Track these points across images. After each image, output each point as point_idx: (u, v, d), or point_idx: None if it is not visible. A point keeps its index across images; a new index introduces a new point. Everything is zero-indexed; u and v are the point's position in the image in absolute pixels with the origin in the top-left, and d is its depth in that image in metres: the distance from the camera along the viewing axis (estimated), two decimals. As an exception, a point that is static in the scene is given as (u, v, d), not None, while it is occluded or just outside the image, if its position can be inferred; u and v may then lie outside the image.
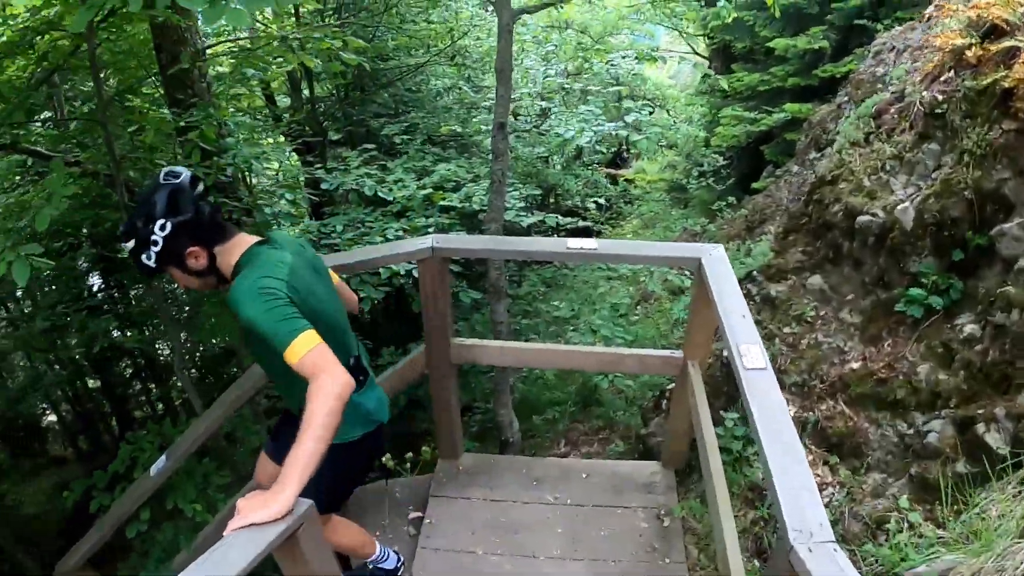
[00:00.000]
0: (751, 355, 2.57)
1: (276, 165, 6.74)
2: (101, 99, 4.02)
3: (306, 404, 2.11)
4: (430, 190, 6.15)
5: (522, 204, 6.99)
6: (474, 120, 8.70)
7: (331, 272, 2.89)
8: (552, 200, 10.87)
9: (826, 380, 4.17)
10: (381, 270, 5.13)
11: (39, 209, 3.27)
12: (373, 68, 8.56)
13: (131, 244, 2.41)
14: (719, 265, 3.31)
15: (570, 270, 9.21)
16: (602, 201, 11.17)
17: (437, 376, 4.10)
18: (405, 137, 7.82)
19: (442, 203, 6.17)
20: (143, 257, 2.41)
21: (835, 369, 4.17)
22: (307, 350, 2.18)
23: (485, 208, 5.47)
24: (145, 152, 4.86)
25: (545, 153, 9.40)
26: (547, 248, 4.20)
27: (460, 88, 9.53)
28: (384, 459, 4.08)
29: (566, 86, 8.41)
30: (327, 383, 2.13)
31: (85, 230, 7.04)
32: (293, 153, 8.72)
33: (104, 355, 8.42)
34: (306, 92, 8.48)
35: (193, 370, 9.04)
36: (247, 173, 6.35)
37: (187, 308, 7.19)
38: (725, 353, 4.76)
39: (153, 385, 10.18)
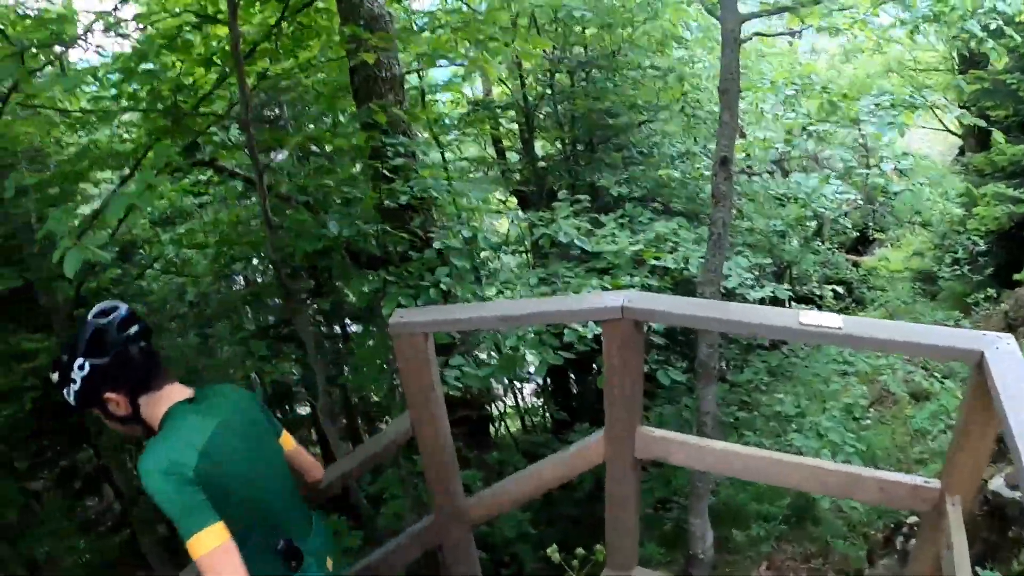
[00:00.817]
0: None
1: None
2: (244, 98, 3.80)
3: None
4: (641, 246, 5.56)
5: (751, 275, 6.22)
6: (696, 167, 8.07)
7: (286, 438, 2.72)
8: (787, 284, 10.03)
9: None
10: (566, 331, 4.54)
11: (115, 196, 3.05)
12: (602, 124, 8.59)
13: (56, 377, 2.30)
14: (1012, 363, 2.41)
15: (800, 359, 8.27)
16: (841, 290, 10.20)
17: (615, 470, 3.43)
18: (623, 190, 7.40)
19: (654, 262, 5.58)
20: (65, 393, 2.29)
21: None
22: (208, 550, 2.07)
23: (706, 272, 4.82)
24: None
25: (781, 226, 8.62)
26: (771, 321, 3.09)
27: (694, 154, 9.00)
28: (549, 550, 3.51)
29: (809, 127, 7.60)
30: None
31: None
32: (517, 206, 8.71)
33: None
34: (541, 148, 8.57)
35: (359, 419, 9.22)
36: (452, 208, 6.13)
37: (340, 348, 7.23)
38: (992, 486, 3.80)
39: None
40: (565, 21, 7.77)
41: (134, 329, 2.31)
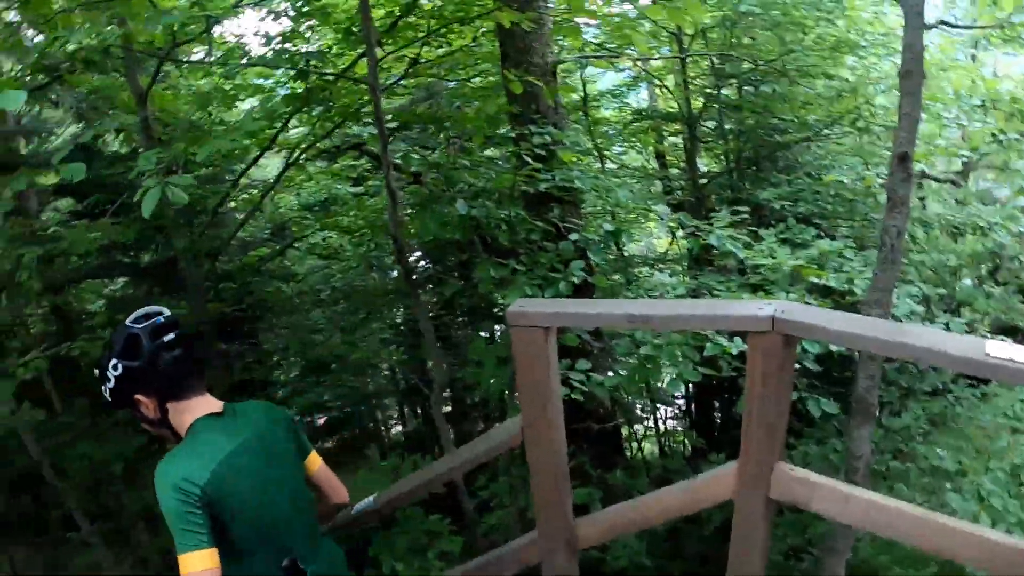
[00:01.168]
0: None
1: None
2: (372, 61, 3.60)
3: None
4: (800, 261, 5.11)
5: (921, 307, 5.71)
6: (867, 173, 7.46)
7: (312, 460, 2.77)
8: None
9: None
10: (708, 345, 4.11)
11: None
12: (769, 142, 8.32)
13: (97, 373, 2.43)
14: None
15: (964, 408, 7.44)
16: (1010, 341, 9.27)
17: (744, 508, 2.94)
18: (786, 203, 6.99)
19: (814, 280, 5.10)
20: (102, 389, 2.42)
21: None
22: (191, 570, 2.17)
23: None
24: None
25: (955, 262, 7.88)
26: (950, 349, 2.40)
27: (872, 189, 8.39)
28: (663, 583, 3.27)
29: (998, 135, 6.90)
30: None
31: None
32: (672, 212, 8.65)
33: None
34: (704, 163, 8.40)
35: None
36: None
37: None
38: None
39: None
40: (733, 20, 7.34)
41: (168, 337, 2.39)
